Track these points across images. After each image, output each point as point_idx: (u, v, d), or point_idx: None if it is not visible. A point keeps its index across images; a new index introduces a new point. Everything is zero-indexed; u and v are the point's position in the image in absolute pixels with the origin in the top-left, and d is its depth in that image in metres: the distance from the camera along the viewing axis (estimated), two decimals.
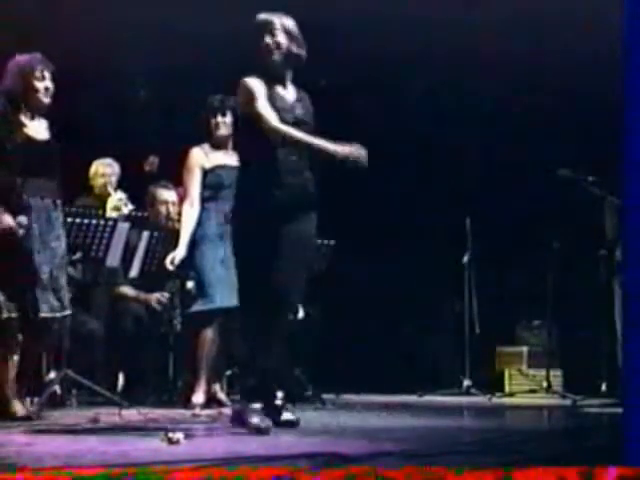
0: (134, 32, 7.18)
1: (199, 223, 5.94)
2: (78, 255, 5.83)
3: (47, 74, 5.17)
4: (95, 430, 4.66)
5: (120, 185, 6.98)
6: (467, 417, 6.27)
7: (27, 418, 4.99)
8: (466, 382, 7.77)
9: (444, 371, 8.62)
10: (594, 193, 6.88)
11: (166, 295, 6.50)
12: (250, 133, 4.60)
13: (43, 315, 5.04)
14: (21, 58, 5.20)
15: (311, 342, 7.07)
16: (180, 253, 5.87)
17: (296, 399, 6.45)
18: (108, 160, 7.04)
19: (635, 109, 3.00)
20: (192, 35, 7.17)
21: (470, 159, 8.35)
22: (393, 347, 8.67)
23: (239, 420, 4.51)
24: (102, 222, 5.96)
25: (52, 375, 5.90)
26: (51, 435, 4.36)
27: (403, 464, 3.02)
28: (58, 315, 5.12)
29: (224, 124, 5.99)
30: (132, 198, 6.87)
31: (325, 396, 6.72)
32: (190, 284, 6.15)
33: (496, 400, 7.49)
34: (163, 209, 6.64)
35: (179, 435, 3.89)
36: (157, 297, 6.52)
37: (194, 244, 5.94)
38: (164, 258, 6.00)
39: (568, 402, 7.09)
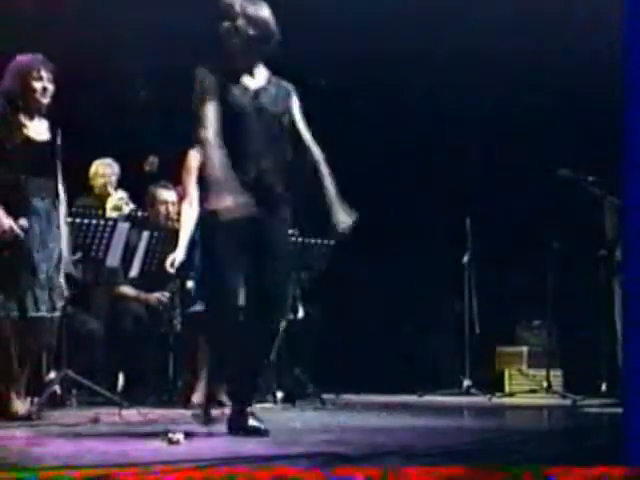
0: (134, 32, 7.17)
1: None
2: (78, 255, 5.83)
3: (46, 74, 5.16)
4: (95, 430, 4.65)
5: (120, 185, 6.99)
6: (467, 417, 6.27)
7: (27, 418, 4.99)
8: (466, 382, 7.77)
9: (444, 371, 8.61)
10: (594, 193, 6.87)
11: (166, 295, 6.50)
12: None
13: (41, 314, 5.05)
14: (21, 58, 5.20)
15: (311, 342, 7.08)
16: (180, 255, 5.88)
17: (296, 399, 6.48)
18: (108, 160, 7.04)
19: (635, 109, 3.00)
20: (192, 35, 7.16)
21: (470, 159, 8.35)
22: (393, 347, 8.67)
23: (236, 426, 4.35)
24: (102, 222, 5.95)
25: (52, 375, 5.89)
26: (51, 435, 4.36)
27: (403, 464, 3.02)
28: (47, 315, 5.12)
29: None
30: (132, 198, 6.88)
31: (325, 396, 6.71)
32: (190, 284, 6.15)
33: (496, 400, 7.49)
34: (163, 209, 6.64)
35: (179, 435, 3.89)
36: (157, 297, 6.51)
37: (194, 244, 5.93)
38: (164, 258, 6.01)
39: (568, 402, 7.09)
